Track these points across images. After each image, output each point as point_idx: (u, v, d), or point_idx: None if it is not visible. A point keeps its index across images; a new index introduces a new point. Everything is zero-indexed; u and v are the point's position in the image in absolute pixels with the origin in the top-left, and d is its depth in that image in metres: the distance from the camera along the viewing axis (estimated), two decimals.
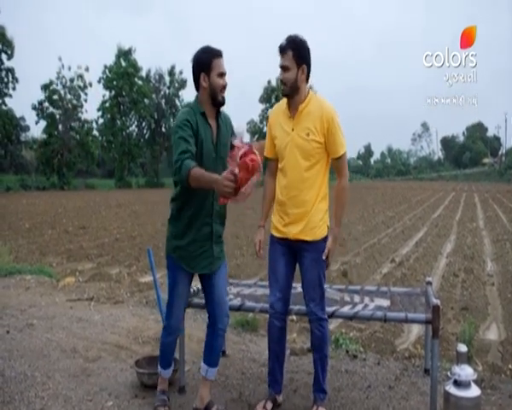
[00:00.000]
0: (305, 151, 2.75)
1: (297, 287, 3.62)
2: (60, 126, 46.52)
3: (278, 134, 2.84)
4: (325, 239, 2.83)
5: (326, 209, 2.87)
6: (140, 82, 51.86)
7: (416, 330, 5.04)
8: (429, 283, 3.48)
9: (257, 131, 52.34)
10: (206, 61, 2.70)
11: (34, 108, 45.35)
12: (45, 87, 45.20)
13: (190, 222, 2.75)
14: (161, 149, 55.29)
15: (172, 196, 2.82)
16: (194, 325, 4.61)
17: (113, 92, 50.39)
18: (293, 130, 2.78)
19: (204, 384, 2.95)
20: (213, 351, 2.92)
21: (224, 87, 2.74)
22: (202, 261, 2.81)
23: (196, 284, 3.68)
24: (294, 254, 2.89)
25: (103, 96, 50.80)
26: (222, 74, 2.72)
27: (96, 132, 50.73)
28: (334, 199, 2.89)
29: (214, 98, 2.73)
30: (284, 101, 2.89)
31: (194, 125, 2.67)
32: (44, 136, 45.90)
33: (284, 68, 2.71)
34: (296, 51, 2.70)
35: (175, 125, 2.68)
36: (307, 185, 2.78)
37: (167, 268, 2.91)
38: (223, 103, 2.78)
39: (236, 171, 2.27)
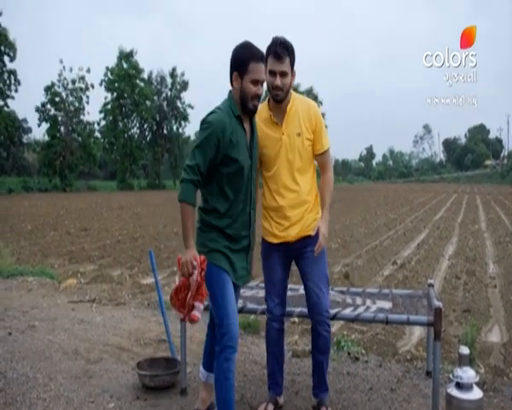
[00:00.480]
0: (298, 152, 2.75)
1: (299, 289, 3.62)
2: (62, 128, 46.66)
3: (266, 143, 2.77)
4: None
5: (318, 203, 2.89)
6: (142, 84, 51.99)
7: (417, 332, 5.03)
8: (431, 285, 3.48)
9: None
10: (243, 60, 2.47)
11: (37, 110, 45.51)
12: (47, 89, 45.36)
13: (227, 234, 2.57)
14: (163, 150, 55.37)
15: (204, 207, 2.59)
16: (196, 327, 4.60)
17: (115, 94, 50.51)
18: (283, 134, 2.75)
19: (206, 387, 2.91)
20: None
21: (256, 96, 2.51)
22: (240, 271, 2.67)
23: None
24: (290, 257, 2.89)
25: (105, 98, 51.03)
26: (257, 81, 2.48)
27: (97, 134, 50.90)
28: (322, 189, 2.88)
29: (244, 105, 2.52)
30: (263, 109, 2.80)
31: (228, 135, 2.45)
32: (47, 138, 46.04)
33: (283, 74, 2.66)
34: (291, 57, 2.69)
35: (205, 128, 2.45)
36: (303, 185, 2.79)
37: (207, 280, 2.53)
38: (253, 112, 2.58)
39: (196, 275, 2.43)
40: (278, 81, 2.65)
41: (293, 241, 2.81)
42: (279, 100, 2.71)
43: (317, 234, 2.74)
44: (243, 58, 2.47)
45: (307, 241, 2.79)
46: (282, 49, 2.64)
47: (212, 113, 2.52)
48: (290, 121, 2.76)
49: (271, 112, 2.78)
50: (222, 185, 2.53)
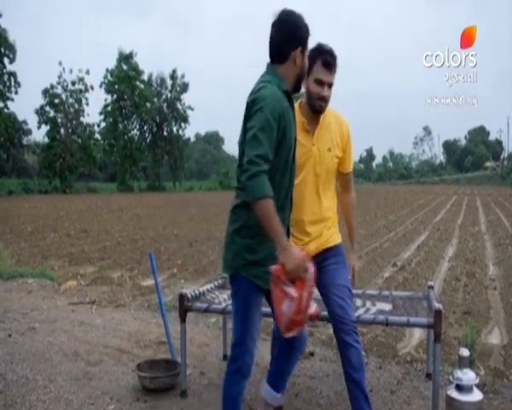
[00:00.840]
0: (326, 167, 2.66)
1: None
2: (62, 130, 46.73)
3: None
4: (340, 243, 2.82)
5: (337, 219, 2.85)
6: (142, 86, 52.10)
7: (417, 334, 5.02)
8: (431, 287, 3.47)
9: None
10: (305, 36, 2.22)
11: (37, 112, 45.59)
12: (45, 92, 45.43)
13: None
14: (163, 152, 55.42)
15: (244, 201, 2.16)
16: (196, 330, 4.61)
17: (115, 96, 50.60)
18: (313, 145, 2.64)
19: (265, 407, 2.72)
20: (286, 375, 2.65)
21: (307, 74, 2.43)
22: None
23: (198, 288, 3.69)
24: None
25: (105, 100, 51.10)
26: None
27: (97, 136, 51.00)
28: (348, 211, 2.90)
29: (299, 81, 2.30)
30: (296, 112, 2.58)
31: (284, 111, 2.14)
32: (47, 140, 46.11)
33: (331, 86, 2.57)
34: (336, 69, 2.59)
35: (263, 106, 2.06)
36: (325, 201, 2.72)
37: (234, 293, 2.28)
38: (300, 89, 2.37)
39: (312, 268, 2.03)
40: (327, 92, 2.54)
41: (312, 255, 2.77)
42: (321, 111, 2.59)
43: (336, 246, 2.76)
44: (306, 34, 2.23)
45: (327, 254, 2.73)
46: (332, 60, 2.54)
47: (261, 88, 2.13)
48: (322, 134, 2.66)
49: (304, 118, 2.65)
50: (273, 172, 2.12)
